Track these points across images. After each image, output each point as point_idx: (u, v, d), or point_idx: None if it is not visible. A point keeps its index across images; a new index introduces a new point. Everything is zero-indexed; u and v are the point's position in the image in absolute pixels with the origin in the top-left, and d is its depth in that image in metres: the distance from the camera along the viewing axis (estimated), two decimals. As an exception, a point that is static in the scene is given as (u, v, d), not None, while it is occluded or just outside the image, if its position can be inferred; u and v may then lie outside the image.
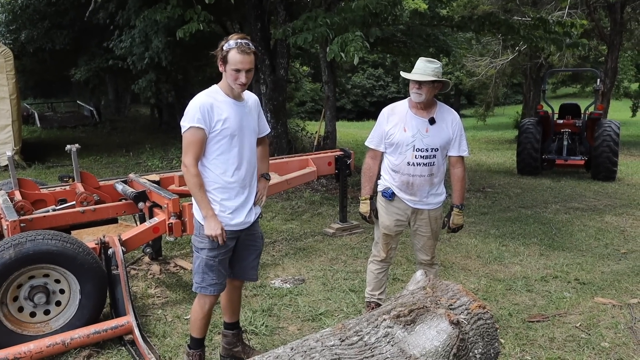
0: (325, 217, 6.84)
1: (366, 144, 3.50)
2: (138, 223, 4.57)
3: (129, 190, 4.35)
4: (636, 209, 7.58)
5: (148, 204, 4.19)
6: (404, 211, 3.43)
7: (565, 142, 10.61)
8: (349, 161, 5.96)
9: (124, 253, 3.56)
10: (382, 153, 3.46)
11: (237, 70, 2.63)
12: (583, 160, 10.51)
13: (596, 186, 9.54)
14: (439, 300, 2.54)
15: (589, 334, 3.61)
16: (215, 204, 2.76)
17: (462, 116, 32.15)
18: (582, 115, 10.92)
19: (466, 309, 2.57)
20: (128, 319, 3.30)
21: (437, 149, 3.30)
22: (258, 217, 3.01)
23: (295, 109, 25.97)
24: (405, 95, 3.20)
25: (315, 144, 9.76)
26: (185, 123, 2.68)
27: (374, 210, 3.51)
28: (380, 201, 3.51)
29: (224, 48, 2.63)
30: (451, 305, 2.54)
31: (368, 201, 3.50)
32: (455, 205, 3.46)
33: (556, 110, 11.22)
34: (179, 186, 4.69)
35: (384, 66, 38.06)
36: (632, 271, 4.87)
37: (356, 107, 38.87)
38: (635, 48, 21.59)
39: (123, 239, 3.63)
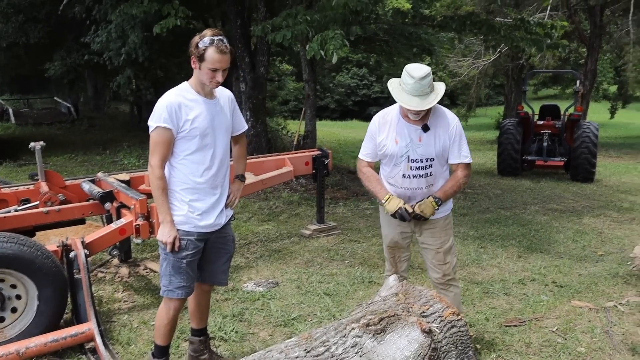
0: (303, 218, 6.73)
1: (360, 157, 3.17)
2: (106, 224, 4.41)
3: (96, 190, 4.18)
4: (613, 210, 7.60)
5: (115, 204, 4.04)
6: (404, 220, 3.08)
7: (545, 143, 10.64)
8: (326, 161, 5.85)
9: (87, 256, 3.40)
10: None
11: (214, 70, 2.55)
12: (562, 162, 10.55)
13: (575, 187, 9.58)
14: (411, 308, 2.45)
15: (565, 339, 3.55)
16: (184, 204, 2.66)
17: (444, 116, 32.47)
18: (562, 116, 10.97)
19: (439, 317, 2.48)
20: (89, 326, 3.15)
21: (433, 159, 2.98)
22: (230, 220, 2.90)
23: (279, 107, 25.84)
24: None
25: (294, 143, 9.64)
26: (151, 122, 2.58)
27: (403, 201, 3.00)
28: (381, 212, 3.22)
29: (200, 46, 2.52)
30: (424, 312, 2.45)
31: (392, 196, 3.01)
32: (434, 195, 3.01)
33: (536, 112, 11.26)
34: (149, 186, 4.53)
35: (368, 65, 38.06)
36: (609, 273, 4.84)
37: (340, 106, 38.79)
38: (614, 51, 21.84)
39: (87, 242, 3.48)
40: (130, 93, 12.06)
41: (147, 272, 4.62)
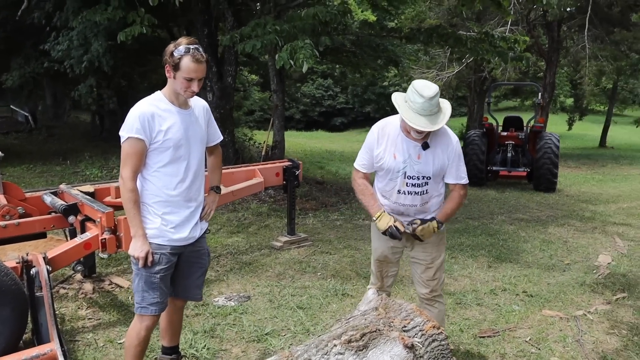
0: (272, 230, 6.63)
1: (356, 166, 3.03)
2: (69, 238, 4.22)
3: (59, 202, 4.00)
4: (576, 219, 7.80)
5: (79, 217, 3.87)
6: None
7: (509, 154, 10.88)
8: (297, 172, 5.79)
9: (50, 272, 3.23)
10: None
11: (190, 80, 2.47)
12: (525, 172, 10.80)
13: (538, 197, 9.80)
14: (392, 322, 2.40)
15: (539, 349, 3.57)
16: (157, 217, 2.58)
17: (409, 127, 32.83)
18: (525, 128, 11.25)
19: (420, 330, 2.44)
20: (52, 347, 2.97)
21: (430, 177, 2.90)
22: (204, 233, 2.81)
23: (244, 117, 25.63)
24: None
25: (263, 153, 9.55)
26: (123, 133, 2.48)
27: (394, 219, 2.90)
28: (372, 225, 3.11)
29: (175, 54, 2.44)
30: (405, 326, 2.41)
31: (384, 213, 2.93)
32: (437, 219, 2.94)
33: (500, 123, 11.51)
34: (115, 198, 4.36)
35: (333, 76, 38.32)
36: (576, 282, 4.93)
37: (305, 116, 38.88)
38: (570, 65, 22.63)
39: (49, 257, 3.30)
40: (92, 102, 11.71)
41: (112, 288, 4.43)
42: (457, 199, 3.00)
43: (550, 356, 3.48)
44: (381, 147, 2.91)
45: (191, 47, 2.44)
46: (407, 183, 2.90)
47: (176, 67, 2.44)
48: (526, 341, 3.68)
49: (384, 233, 2.91)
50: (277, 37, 6.94)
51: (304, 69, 6.49)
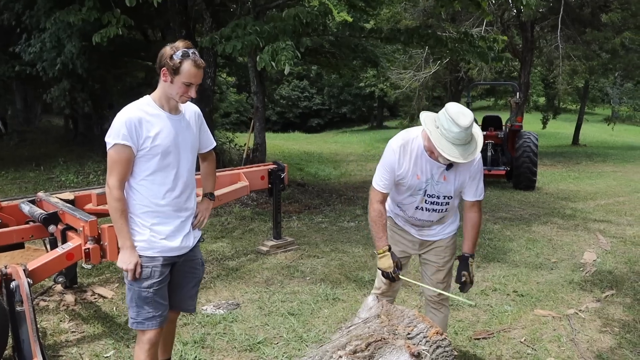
0: (257, 234, 6.52)
1: (375, 187, 2.83)
2: (49, 248, 4.04)
3: (38, 211, 3.82)
4: (558, 217, 7.87)
5: (60, 226, 3.70)
6: (410, 241, 3.01)
7: (489, 153, 10.95)
8: (282, 175, 5.69)
9: (30, 285, 3.07)
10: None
11: (189, 85, 2.39)
12: (505, 171, 10.88)
13: (519, 195, 9.88)
14: (396, 330, 2.33)
15: (535, 349, 3.55)
16: (145, 229, 2.46)
17: (385, 128, 32.40)
18: (504, 127, 11.34)
19: (424, 337, 2.37)
20: (36, 364, 2.82)
21: (451, 197, 2.82)
22: (198, 241, 2.69)
23: (220, 120, 25.36)
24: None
25: (244, 156, 9.41)
26: (109, 139, 2.36)
27: (397, 262, 2.79)
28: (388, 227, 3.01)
29: (175, 58, 2.33)
30: (409, 334, 2.34)
31: (388, 253, 2.78)
32: (470, 254, 2.90)
33: (479, 123, 11.58)
34: (97, 205, 4.20)
35: (309, 78, 38.26)
36: (565, 280, 4.95)
37: (282, 118, 38.73)
38: (544, 65, 23.00)
39: (29, 269, 3.13)
40: (65, 105, 11.37)
41: (95, 299, 4.27)
42: (477, 223, 2.91)
43: (547, 356, 3.46)
44: (403, 167, 2.75)
45: (190, 51, 2.35)
46: (426, 201, 2.81)
47: (176, 71, 2.34)
48: (521, 342, 3.66)
49: (382, 271, 2.81)
50: (258, 38, 6.81)
51: (286, 71, 6.38)
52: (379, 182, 2.81)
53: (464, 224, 2.94)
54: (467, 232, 2.92)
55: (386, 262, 2.77)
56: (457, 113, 2.52)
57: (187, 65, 2.34)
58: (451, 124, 2.50)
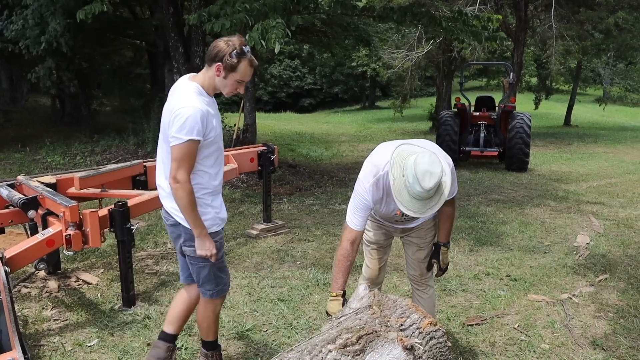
0: (247, 217, 6.41)
1: (349, 226, 2.68)
2: (29, 234, 3.91)
3: (17, 195, 3.68)
4: (550, 199, 7.82)
5: (40, 211, 3.58)
6: (392, 228, 3.00)
7: (481, 134, 10.86)
8: (272, 157, 5.57)
9: (8, 273, 2.95)
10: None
11: (241, 82, 2.52)
12: (497, 152, 10.81)
13: (511, 177, 9.82)
14: (388, 321, 2.24)
15: (528, 336, 3.50)
16: (208, 207, 2.60)
17: (377, 108, 32.23)
18: (497, 108, 11.23)
19: (418, 328, 2.28)
20: (13, 355, 2.70)
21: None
22: None
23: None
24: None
25: (234, 137, 9.24)
26: (182, 135, 2.40)
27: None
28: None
29: (233, 55, 2.41)
30: (402, 325, 2.25)
31: (340, 299, 2.61)
32: (443, 243, 2.94)
33: (472, 103, 11.46)
34: (80, 189, 4.07)
35: (301, 57, 37.85)
36: (558, 264, 4.90)
37: (273, 98, 38.40)
38: (537, 45, 22.82)
39: (7, 257, 3.02)
40: (51, 85, 11.11)
41: (79, 285, 4.15)
42: (451, 214, 2.92)
43: (540, 343, 3.41)
44: (377, 204, 2.72)
45: (247, 49, 2.43)
46: (405, 218, 2.80)
47: (233, 68, 2.43)
48: (515, 328, 3.60)
49: (327, 314, 2.64)
50: (247, 15, 6.62)
51: (276, 50, 6.21)
52: (353, 219, 2.68)
53: (439, 216, 2.90)
54: (442, 223, 2.96)
55: (335, 307, 2.59)
56: (424, 173, 2.36)
57: (243, 65, 2.44)
58: (415, 183, 2.37)
